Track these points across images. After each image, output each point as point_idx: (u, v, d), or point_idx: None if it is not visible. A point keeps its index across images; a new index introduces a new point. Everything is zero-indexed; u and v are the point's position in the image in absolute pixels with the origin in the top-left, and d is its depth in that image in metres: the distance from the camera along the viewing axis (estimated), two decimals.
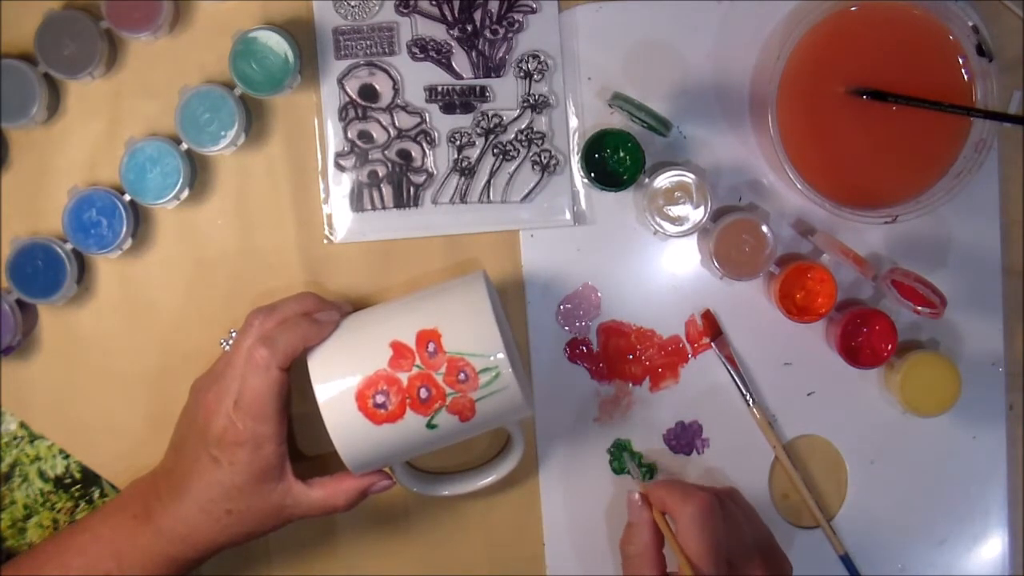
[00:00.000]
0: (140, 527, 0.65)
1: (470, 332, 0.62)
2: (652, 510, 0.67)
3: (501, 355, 0.62)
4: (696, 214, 0.70)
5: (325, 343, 0.64)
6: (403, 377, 0.62)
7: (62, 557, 0.66)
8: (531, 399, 0.65)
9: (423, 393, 0.62)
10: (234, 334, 0.67)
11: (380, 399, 0.62)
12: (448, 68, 0.72)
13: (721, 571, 0.63)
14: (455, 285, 0.66)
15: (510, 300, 0.74)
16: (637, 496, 0.68)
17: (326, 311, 0.66)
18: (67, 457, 0.74)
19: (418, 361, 0.62)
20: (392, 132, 0.73)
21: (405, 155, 0.73)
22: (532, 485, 0.74)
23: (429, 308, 0.64)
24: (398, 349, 0.62)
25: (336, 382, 0.63)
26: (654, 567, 0.66)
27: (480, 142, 0.73)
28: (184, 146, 0.70)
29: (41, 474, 0.74)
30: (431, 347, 0.62)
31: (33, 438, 0.73)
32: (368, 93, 0.72)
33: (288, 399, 0.65)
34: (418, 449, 0.65)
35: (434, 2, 0.72)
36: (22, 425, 0.73)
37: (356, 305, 0.70)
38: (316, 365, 0.63)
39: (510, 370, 0.62)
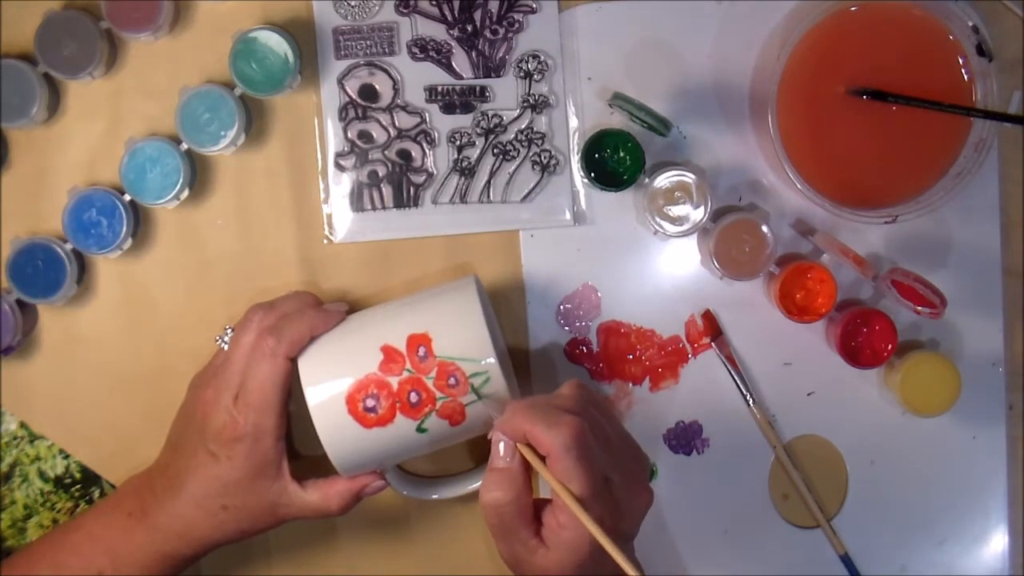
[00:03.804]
0: (135, 524, 0.65)
1: (461, 337, 0.62)
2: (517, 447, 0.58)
3: (491, 360, 0.62)
4: (696, 214, 0.70)
5: (316, 346, 0.64)
6: (393, 381, 0.62)
7: (56, 556, 0.66)
8: None
9: (413, 397, 0.62)
10: (230, 331, 0.67)
11: (370, 403, 0.62)
12: (448, 68, 0.72)
13: (604, 499, 0.56)
14: (446, 290, 0.66)
15: (510, 300, 0.73)
16: (504, 437, 0.58)
17: (333, 302, 0.66)
18: (67, 457, 0.74)
19: (408, 365, 0.62)
20: (392, 132, 0.73)
21: (405, 155, 0.73)
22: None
23: (420, 313, 0.64)
24: (389, 353, 0.62)
25: (326, 385, 0.63)
26: (529, 521, 0.57)
27: (480, 142, 0.73)
28: (184, 146, 0.70)
29: (41, 474, 0.74)
30: (422, 351, 0.62)
31: (33, 438, 0.73)
32: (368, 93, 0.72)
33: (289, 394, 0.65)
34: (408, 453, 0.65)
35: (434, 2, 0.72)
36: (22, 425, 0.73)
37: (355, 305, 0.70)
38: (307, 368, 0.63)
39: (500, 375, 0.62)
